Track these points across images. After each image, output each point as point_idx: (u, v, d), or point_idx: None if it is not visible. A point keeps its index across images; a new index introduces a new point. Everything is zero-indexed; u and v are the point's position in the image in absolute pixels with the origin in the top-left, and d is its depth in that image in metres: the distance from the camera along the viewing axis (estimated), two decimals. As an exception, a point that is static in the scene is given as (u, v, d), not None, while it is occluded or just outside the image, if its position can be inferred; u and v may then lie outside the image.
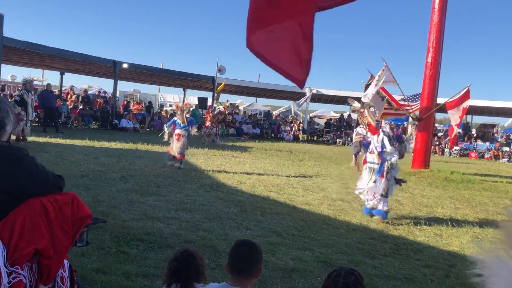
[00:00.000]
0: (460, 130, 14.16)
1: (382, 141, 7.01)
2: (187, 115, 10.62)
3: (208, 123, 17.89)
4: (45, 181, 2.10)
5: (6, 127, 2.15)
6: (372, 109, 7.53)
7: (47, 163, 9.03)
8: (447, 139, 25.86)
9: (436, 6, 13.66)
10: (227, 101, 28.24)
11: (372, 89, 11.51)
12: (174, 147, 10.13)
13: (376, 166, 6.98)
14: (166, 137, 10.55)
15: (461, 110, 13.68)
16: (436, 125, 28.25)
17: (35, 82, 14.82)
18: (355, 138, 7.48)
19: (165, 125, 11.14)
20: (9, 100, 16.95)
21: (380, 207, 6.83)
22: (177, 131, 10.23)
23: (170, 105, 36.54)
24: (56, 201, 2.03)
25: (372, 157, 7.08)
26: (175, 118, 10.63)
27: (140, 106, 26.68)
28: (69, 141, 13.92)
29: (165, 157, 10.45)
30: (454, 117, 13.98)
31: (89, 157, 10.61)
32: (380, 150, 6.99)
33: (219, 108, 18.52)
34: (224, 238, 5.04)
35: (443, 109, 14.72)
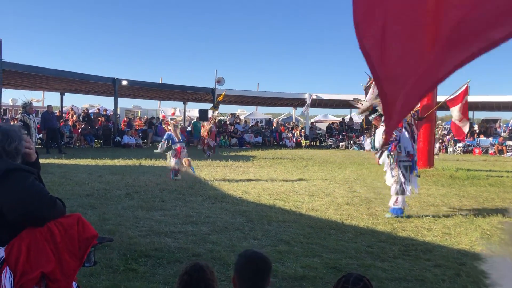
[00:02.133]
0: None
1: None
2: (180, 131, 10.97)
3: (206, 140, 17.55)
4: (32, 200, 2.02)
5: (20, 154, 2.19)
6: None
7: (52, 184, 9.05)
8: (450, 136, 25.79)
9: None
10: (217, 112, 27.65)
11: (370, 94, 11.63)
12: (174, 161, 10.46)
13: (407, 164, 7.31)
14: (159, 150, 11.04)
15: (461, 107, 13.63)
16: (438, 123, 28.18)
17: (35, 104, 14.92)
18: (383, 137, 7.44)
19: (161, 143, 11.25)
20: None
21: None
22: (177, 144, 10.60)
23: (172, 119, 36.69)
24: (61, 224, 2.04)
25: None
26: (170, 133, 10.77)
27: (142, 122, 26.79)
28: (72, 161, 13.96)
29: (169, 174, 10.57)
30: (455, 113, 13.94)
31: (93, 175, 10.63)
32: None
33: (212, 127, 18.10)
34: (232, 250, 5.02)
35: (443, 107, 14.69)
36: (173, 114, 38.38)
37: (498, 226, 6.48)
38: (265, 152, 21.03)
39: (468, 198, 9.15)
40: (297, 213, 7.20)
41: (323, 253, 5.07)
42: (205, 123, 17.65)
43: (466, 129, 14.46)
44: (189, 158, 10.59)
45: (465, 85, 13.87)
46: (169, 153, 10.70)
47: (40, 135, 19.31)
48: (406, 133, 7.40)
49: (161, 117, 29.62)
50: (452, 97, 14.10)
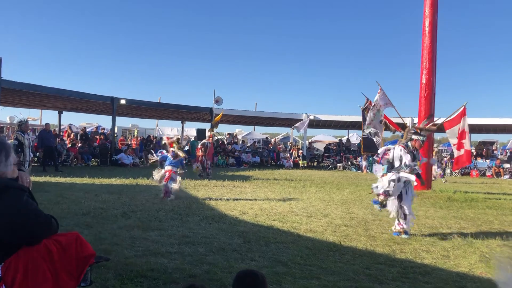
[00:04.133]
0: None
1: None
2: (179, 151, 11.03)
3: (201, 158, 17.56)
4: (28, 219, 2.00)
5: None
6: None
7: (48, 202, 8.99)
8: (447, 157, 25.84)
9: (427, 29, 13.94)
10: (213, 130, 27.42)
11: (369, 118, 12.19)
12: (159, 178, 10.59)
13: None
14: (151, 161, 11.04)
15: (456, 132, 13.70)
16: (435, 144, 28.31)
17: (32, 122, 14.87)
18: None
19: (156, 154, 11.41)
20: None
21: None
22: (168, 167, 10.64)
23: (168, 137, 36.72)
24: (59, 243, 2.01)
25: None
26: (167, 155, 10.80)
27: (138, 141, 26.81)
28: (69, 180, 13.88)
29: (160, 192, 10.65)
30: (453, 137, 14.00)
31: (89, 194, 10.56)
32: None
33: (207, 141, 18.15)
34: (229, 271, 4.96)
35: (441, 129, 14.78)
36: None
37: (502, 247, 6.43)
38: (263, 172, 20.99)
39: (467, 220, 9.11)
40: (295, 234, 7.15)
41: (321, 275, 5.01)
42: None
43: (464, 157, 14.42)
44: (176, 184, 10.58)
45: (462, 107, 13.98)
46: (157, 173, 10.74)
47: (38, 154, 19.25)
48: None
49: (164, 138, 29.57)
50: (449, 119, 14.18)
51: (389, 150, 7.72)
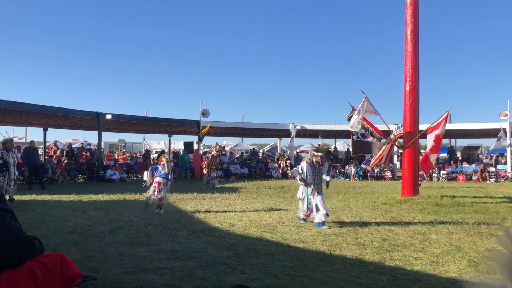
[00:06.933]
0: (440, 155, 14.42)
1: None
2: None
3: (205, 171, 18.22)
4: (9, 241, 1.96)
5: None
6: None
7: (34, 221, 8.86)
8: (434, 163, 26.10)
9: (409, 37, 14.15)
10: (216, 143, 28.26)
11: (355, 118, 12.96)
12: (152, 194, 10.51)
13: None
14: (148, 184, 10.99)
15: (433, 136, 13.95)
16: (422, 151, 28.53)
17: (18, 141, 14.67)
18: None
19: (145, 172, 11.37)
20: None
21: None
22: (158, 178, 10.64)
23: (157, 152, 36.58)
24: (43, 264, 1.96)
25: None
26: (157, 166, 10.93)
27: (126, 156, 26.62)
28: (55, 197, 13.71)
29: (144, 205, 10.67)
30: (430, 142, 14.23)
31: (76, 211, 10.44)
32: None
33: (211, 154, 18.84)
34: (220, 285, 4.92)
35: (426, 135, 14.96)
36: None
37: (485, 254, 6.48)
38: (252, 183, 20.97)
39: (454, 225, 9.18)
40: (284, 245, 7.13)
41: (312, 285, 5.00)
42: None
43: (433, 162, 14.87)
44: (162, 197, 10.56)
45: (446, 113, 14.20)
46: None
47: (23, 171, 18.99)
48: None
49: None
50: (433, 125, 14.40)
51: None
